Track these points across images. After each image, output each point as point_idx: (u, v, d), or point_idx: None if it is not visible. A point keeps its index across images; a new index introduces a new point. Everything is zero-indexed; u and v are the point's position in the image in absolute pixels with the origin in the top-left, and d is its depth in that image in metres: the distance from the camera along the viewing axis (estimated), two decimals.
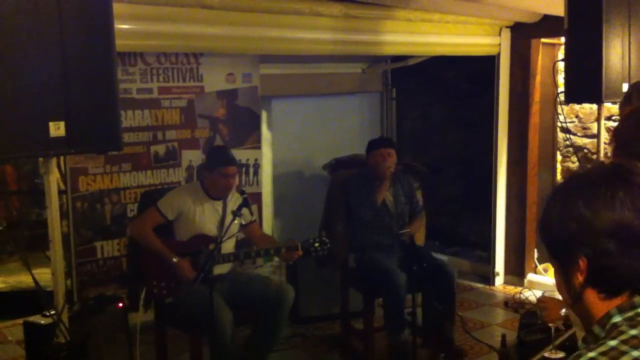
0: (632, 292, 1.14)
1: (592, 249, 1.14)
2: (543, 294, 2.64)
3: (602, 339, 1.11)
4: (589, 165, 1.26)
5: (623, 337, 1.08)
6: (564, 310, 2.31)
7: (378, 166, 4.36)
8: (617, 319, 1.13)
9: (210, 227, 3.91)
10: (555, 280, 1.26)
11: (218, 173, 3.87)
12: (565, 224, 1.17)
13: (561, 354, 2.42)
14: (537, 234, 1.26)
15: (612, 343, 1.08)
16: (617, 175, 1.17)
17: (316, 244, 3.83)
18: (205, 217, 3.91)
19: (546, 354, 2.46)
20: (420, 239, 4.50)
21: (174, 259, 3.75)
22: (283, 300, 3.83)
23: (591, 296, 1.17)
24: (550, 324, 2.45)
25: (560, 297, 2.44)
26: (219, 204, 3.95)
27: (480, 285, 5.90)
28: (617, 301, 1.15)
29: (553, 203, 1.22)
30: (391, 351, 4.27)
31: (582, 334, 2.10)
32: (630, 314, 1.12)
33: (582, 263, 1.16)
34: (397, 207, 4.45)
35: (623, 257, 1.12)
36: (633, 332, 1.08)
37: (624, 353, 1.05)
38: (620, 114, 3.60)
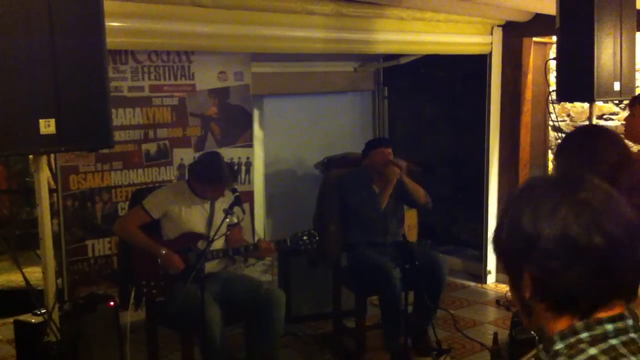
0: (578, 311, 1.12)
1: (535, 265, 1.12)
2: None
3: None
4: (539, 176, 1.23)
5: None
6: None
7: (385, 170, 4.36)
8: (558, 346, 1.12)
9: (198, 225, 3.89)
10: (510, 292, 1.24)
11: (210, 187, 3.86)
12: (512, 239, 1.16)
13: None
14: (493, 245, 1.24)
15: None
16: (561, 189, 1.15)
17: (305, 237, 3.84)
18: (193, 215, 3.89)
19: None
20: (420, 194, 4.47)
21: (162, 251, 3.73)
22: (272, 304, 3.80)
23: (540, 311, 1.16)
24: None
25: None
26: (206, 202, 3.93)
27: (472, 284, 5.91)
28: (564, 321, 1.13)
29: (503, 216, 1.20)
30: (383, 349, 4.27)
31: None
32: (572, 340, 1.11)
33: (528, 279, 1.14)
34: (392, 205, 4.45)
35: (566, 275, 1.10)
36: None
37: None
38: (631, 110, 3.72)
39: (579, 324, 1.11)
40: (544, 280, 1.12)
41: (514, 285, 1.19)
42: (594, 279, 1.10)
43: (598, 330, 1.10)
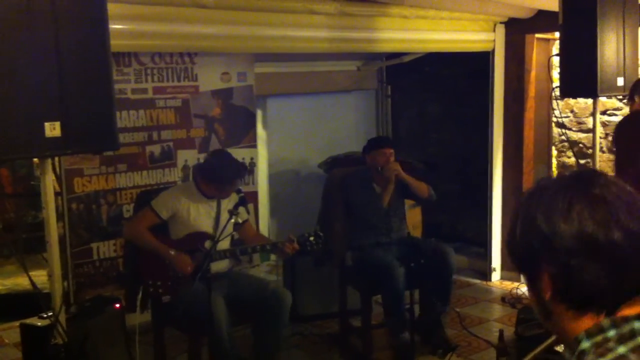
0: (601, 309, 1.10)
1: (554, 265, 1.10)
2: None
3: None
4: (548, 177, 1.21)
5: None
6: None
7: (383, 169, 4.35)
8: (585, 345, 1.08)
9: (205, 225, 3.90)
10: (528, 295, 1.22)
11: (214, 187, 3.86)
12: (527, 240, 1.14)
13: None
14: (506, 248, 1.23)
15: None
16: (575, 186, 1.13)
17: (311, 238, 3.84)
18: (200, 215, 3.90)
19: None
20: (422, 188, 4.48)
21: (172, 252, 3.73)
22: (279, 304, 3.81)
23: (561, 312, 1.13)
24: None
25: None
26: (213, 203, 3.94)
27: (477, 281, 5.90)
28: (587, 320, 1.10)
29: (515, 218, 1.17)
30: (389, 348, 4.27)
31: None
32: (598, 338, 1.08)
33: (547, 279, 1.12)
34: (395, 204, 4.45)
35: (587, 272, 1.08)
36: None
37: None
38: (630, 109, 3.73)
39: (605, 322, 1.08)
40: (564, 279, 1.10)
41: (532, 288, 1.17)
42: (615, 275, 1.08)
43: (625, 328, 1.07)
